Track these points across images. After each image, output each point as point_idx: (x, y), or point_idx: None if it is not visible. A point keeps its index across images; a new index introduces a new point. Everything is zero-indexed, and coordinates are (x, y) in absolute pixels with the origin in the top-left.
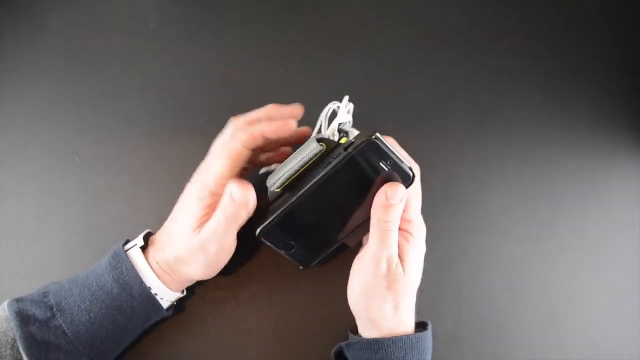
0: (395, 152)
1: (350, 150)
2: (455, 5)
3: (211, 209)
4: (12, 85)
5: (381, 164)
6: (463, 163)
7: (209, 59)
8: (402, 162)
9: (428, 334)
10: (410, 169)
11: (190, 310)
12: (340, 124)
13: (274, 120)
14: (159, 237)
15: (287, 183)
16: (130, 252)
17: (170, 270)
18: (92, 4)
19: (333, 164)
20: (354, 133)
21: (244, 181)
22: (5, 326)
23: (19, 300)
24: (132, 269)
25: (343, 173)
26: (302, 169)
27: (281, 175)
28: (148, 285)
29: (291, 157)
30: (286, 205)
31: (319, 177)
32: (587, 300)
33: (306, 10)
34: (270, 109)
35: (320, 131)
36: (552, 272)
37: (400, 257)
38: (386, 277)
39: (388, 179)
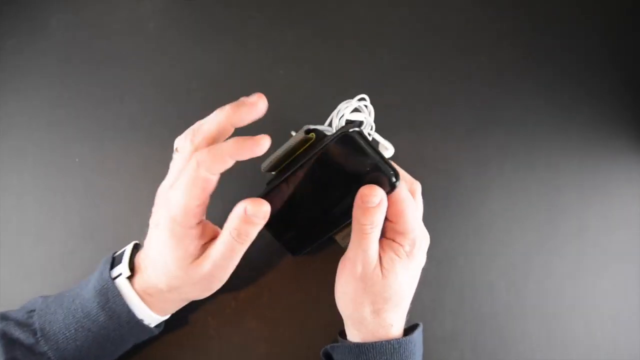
0: (377, 152)
1: (326, 140)
2: (455, 6)
3: (189, 238)
4: (12, 86)
5: (362, 161)
6: (463, 164)
7: (209, 60)
8: (384, 164)
9: (414, 337)
10: (393, 174)
11: (190, 310)
12: (348, 121)
13: (229, 125)
14: (145, 265)
15: (274, 166)
16: (117, 281)
17: (159, 294)
18: (92, 4)
19: (311, 152)
20: (382, 143)
21: (256, 199)
22: None
23: (4, 318)
24: (119, 296)
25: (320, 163)
26: (290, 156)
27: (270, 159)
28: (134, 311)
29: (284, 144)
30: (270, 187)
31: (299, 163)
32: (587, 300)
33: (306, 11)
34: (222, 118)
35: (330, 125)
36: (552, 272)
37: (381, 264)
38: (362, 279)
39: (369, 180)
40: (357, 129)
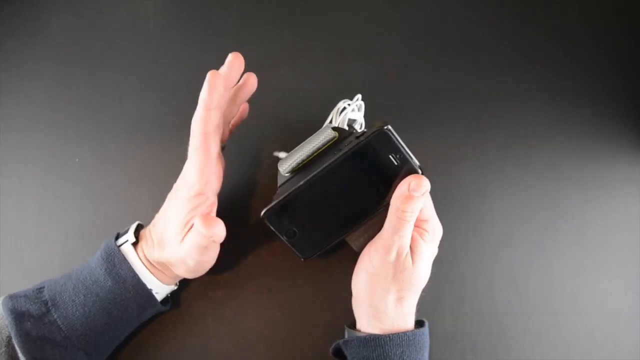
0: (406, 147)
1: (362, 138)
2: (455, 6)
3: (196, 211)
4: (12, 86)
5: (391, 157)
6: (464, 164)
7: (208, 60)
8: (412, 158)
9: (425, 330)
10: (420, 167)
11: (191, 310)
12: (350, 120)
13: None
14: (150, 235)
15: (297, 168)
16: (122, 247)
17: (161, 266)
18: (92, 5)
19: (344, 150)
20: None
21: (210, 217)
22: (0, 324)
23: (12, 297)
24: (124, 261)
25: (352, 161)
26: (314, 154)
27: (293, 160)
28: (140, 277)
29: (304, 142)
30: (293, 189)
31: (327, 162)
32: (587, 299)
33: (306, 11)
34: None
35: (331, 123)
36: (552, 272)
37: (412, 250)
38: (394, 265)
39: (400, 174)
40: (389, 125)
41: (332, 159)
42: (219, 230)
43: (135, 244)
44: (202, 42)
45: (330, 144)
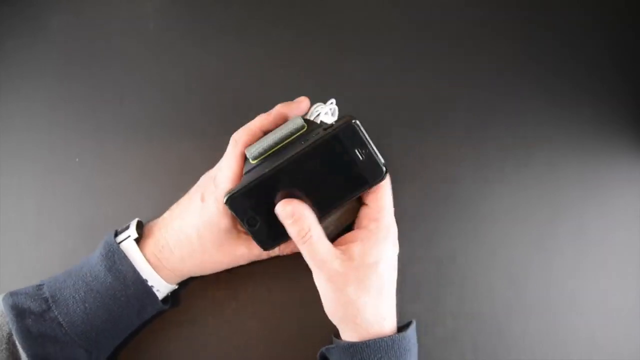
0: (372, 143)
1: (329, 130)
2: (455, 5)
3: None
4: (12, 86)
5: (356, 152)
6: (463, 163)
7: (208, 60)
8: (377, 155)
9: (407, 334)
10: (385, 164)
11: (191, 310)
12: (322, 122)
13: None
14: (162, 225)
15: (264, 155)
16: (123, 244)
17: (167, 257)
18: (92, 4)
19: (310, 141)
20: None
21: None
22: (0, 321)
23: (13, 294)
24: (125, 257)
25: (318, 152)
26: (281, 143)
27: (259, 146)
28: (141, 274)
29: (273, 131)
30: (257, 177)
31: (293, 152)
32: (587, 299)
33: (306, 11)
34: (278, 109)
35: None
36: (552, 271)
37: (355, 252)
38: (340, 274)
39: (363, 169)
40: (356, 120)
41: (298, 149)
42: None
43: (137, 240)
44: (202, 42)
45: (299, 135)
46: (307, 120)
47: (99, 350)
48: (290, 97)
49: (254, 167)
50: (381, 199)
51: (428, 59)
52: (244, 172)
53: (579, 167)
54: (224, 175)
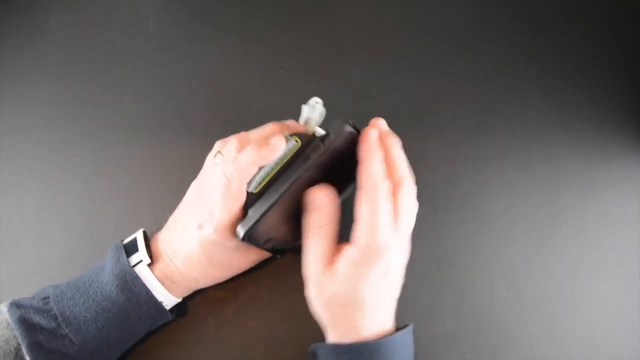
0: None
1: (328, 142)
2: (455, 5)
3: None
4: (11, 86)
5: (356, 152)
6: (463, 163)
7: (208, 60)
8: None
9: (396, 338)
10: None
11: (191, 310)
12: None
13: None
14: (167, 249)
15: (263, 183)
16: (136, 268)
17: (179, 280)
18: (92, 4)
19: (313, 158)
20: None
21: None
22: (7, 334)
23: (19, 306)
24: (137, 278)
25: (322, 166)
26: (278, 167)
27: (260, 179)
28: (156, 295)
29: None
30: (268, 205)
31: (296, 174)
32: (587, 299)
33: (306, 11)
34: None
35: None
36: (552, 272)
37: (333, 264)
38: (315, 279)
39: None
40: (354, 127)
41: (305, 166)
42: None
43: (150, 264)
44: (202, 42)
45: (295, 153)
46: (297, 135)
47: None
48: (289, 97)
49: (258, 197)
50: (372, 215)
51: (428, 59)
52: (247, 200)
53: (579, 167)
54: (221, 216)
